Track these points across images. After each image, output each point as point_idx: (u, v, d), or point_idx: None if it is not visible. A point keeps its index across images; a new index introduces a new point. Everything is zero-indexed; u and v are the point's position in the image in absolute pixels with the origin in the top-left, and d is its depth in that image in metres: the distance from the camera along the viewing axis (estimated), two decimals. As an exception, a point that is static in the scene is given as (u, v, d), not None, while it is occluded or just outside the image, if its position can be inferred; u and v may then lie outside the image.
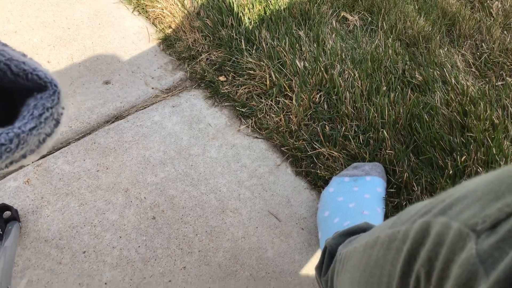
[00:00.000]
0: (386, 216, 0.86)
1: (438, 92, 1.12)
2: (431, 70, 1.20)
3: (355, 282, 0.47)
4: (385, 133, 1.02)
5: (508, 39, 1.31)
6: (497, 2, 1.50)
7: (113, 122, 1.09)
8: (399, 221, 0.40)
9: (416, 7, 1.45)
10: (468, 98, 1.11)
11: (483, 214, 0.28)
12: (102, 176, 0.94)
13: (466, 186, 0.33)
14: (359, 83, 1.14)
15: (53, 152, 0.98)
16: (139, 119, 1.11)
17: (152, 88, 1.21)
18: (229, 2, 1.43)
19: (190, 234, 0.87)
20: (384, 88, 1.13)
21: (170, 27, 1.41)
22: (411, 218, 0.38)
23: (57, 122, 0.30)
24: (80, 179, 0.93)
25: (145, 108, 1.15)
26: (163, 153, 1.02)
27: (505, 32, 1.35)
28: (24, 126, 0.26)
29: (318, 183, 0.99)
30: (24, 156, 0.28)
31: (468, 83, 1.15)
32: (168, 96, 1.19)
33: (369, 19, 1.41)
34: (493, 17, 1.41)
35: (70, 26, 1.39)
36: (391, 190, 0.94)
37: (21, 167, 0.92)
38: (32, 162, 0.92)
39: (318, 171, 0.99)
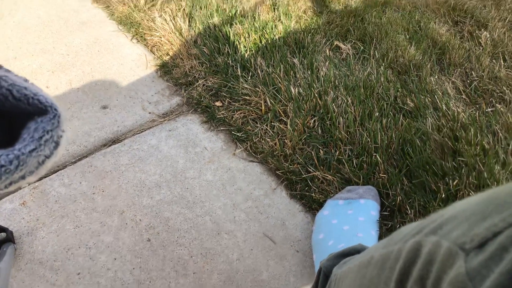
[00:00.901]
0: (380, 239, 0.87)
1: (429, 118, 1.15)
2: (422, 97, 1.23)
3: None
4: (378, 157, 1.03)
5: (497, 68, 1.35)
6: (485, 32, 1.56)
7: (110, 145, 1.11)
8: (392, 241, 0.41)
9: (407, 36, 1.50)
10: (459, 124, 1.13)
11: (472, 233, 0.29)
12: (98, 199, 0.95)
13: (455, 207, 0.35)
14: (352, 109, 1.17)
15: (50, 175, 0.99)
16: (136, 142, 1.12)
17: (149, 113, 1.23)
18: (226, 31, 1.47)
19: (185, 256, 0.87)
20: (377, 113, 1.16)
21: (167, 54, 1.45)
22: (403, 238, 0.39)
23: (57, 145, 0.30)
24: (76, 202, 0.93)
25: (142, 132, 1.16)
26: (159, 176, 1.03)
27: (493, 61, 1.40)
28: (24, 148, 0.27)
29: (312, 206, 1.00)
30: (23, 177, 0.29)
31: (458, 109, 1.18)
32: (164, 120, 1.21)
33: (361, 47, 1.45)
34: (482, 46, 1.46)
35: (69, 52, 1.42)
36: (385, 213, 0.94)
37: (17, 189, 0.93)
38: (29, 184, 0.93)
39: (313, 194, 1.00)
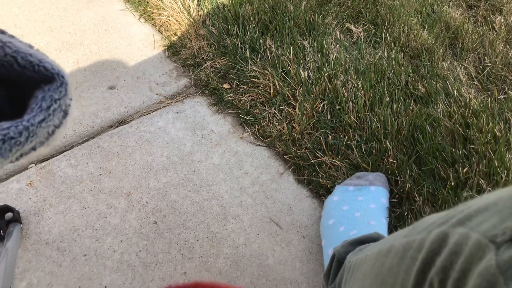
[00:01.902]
0: (389, 226, 0.86)
1: (440, 104, 1.13)
2: (434, 82, 1.20)
3: None
4: (387, 143, 1.02)
5: (511, 54, 1.31)
6: (500, 17, 1.52)
7: (117, 126, 1.10)
8: (414, 231, 0.41)
9: (420, 20, 1.46)
10: (470, 111, 1.11)
11: (503, 226, 0.28)
12: (105, 180, 0.95)
13: (486, 199, 0.34)
14: (362, 94, 1.15)
15: (56, 155, 0.99)
16: (143, 124, 1.11)
17: (157, 94, 1.22)
18: (235, 11, 1.44)
19: (191, 240, 0.87)
20: (387, 99, 1.14)
21: (175, 34, 1.43)
22: (427, 228, 0.38)
23: (65, 114, 0.29)
24: (82, 183, 0.93)
25: (149, 113, 1.15)
26: (166, 159, 1.03)
27: (507, 46, 1.36)
28: (33, 118, 0.26)
29: (320, 192, 0.99)
30: (34, 149, 0.28)
31: (470, 95, 1.16)
32: (172, 102, 1.20)
33: (373, 31, 1.42)
34: (495, 31, 1.42)
35: (76, 31, 1.40)
36: (393, 200, 0.94)
37: (24, 169, 0.93)
38: (36, 164, 0.93)
39: (320, 180, 1.00)
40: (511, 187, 0.33)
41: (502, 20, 1.47)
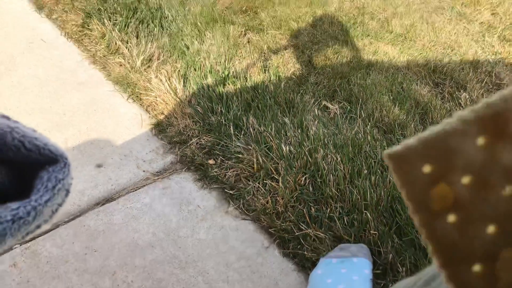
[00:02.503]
0: (373, 298, 0.87)
1: (416, 175, 1.19)
2: (408, 155, 1.27)
3: None
4: (368, 215, 1.06)
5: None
6: (464, 93, 1.65)
7: (103, 204, 1.12)
8: None
9: (391, 97, 1.57)
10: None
11: None
12: (90, 259, 0.94)
13: None
14: (342, 167, 1.20)
15: (42, 235, 0.99)
16: (130, 201, 1.13)
17: (143, 171, 1.25)
18: (219, 91, 1.53)
19: (177, 319, 0.86)
20: (365, 171, 1.19)
21: (162, 113, 1.50)
22: None
23: (68, 192, 0.31)
24: (67, 262, 0.92)
25: (135, 190, 1.18)
26: (152, 235, 1.04)
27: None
28: (40, 198, 0.27)
29: (305, 265, 1.00)
30: (38, 227, 0.29)
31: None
32: (158, 178, 1.23)
33: (348, 107, 1.52)
34: (462, 106, 1.53)
35: (66, 112, 1.46)
36: (377, 271, 0.95)
37: (9, 249, 0.92)
38: (20, 245, 0.93)
39: (305, 253, 1.01)
40: None
41: (467, 96, 1.59)
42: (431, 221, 0.20)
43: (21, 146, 0.28)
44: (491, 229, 0.20)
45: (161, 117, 1.48)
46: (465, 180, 0.20)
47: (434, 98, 1.59)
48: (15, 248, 0.94)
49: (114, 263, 0.94)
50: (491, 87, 1.68)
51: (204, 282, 0.94)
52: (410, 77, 1.72)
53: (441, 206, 0.20)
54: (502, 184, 0.19)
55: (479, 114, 0.19)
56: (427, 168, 0.20)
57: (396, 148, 0.21)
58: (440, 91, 1.66)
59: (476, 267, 0.20)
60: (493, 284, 0.20)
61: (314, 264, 1.00)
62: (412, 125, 1.41)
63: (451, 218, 0.20)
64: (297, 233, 1.05)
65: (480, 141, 0.19)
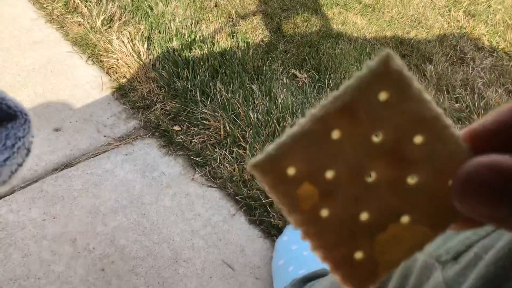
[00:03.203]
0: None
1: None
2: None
3: None
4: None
5: (441, 99, 1.44)
6: (430, 66, 1.67)
7: (62, 170, 1.06)
8: None
9: (359, 67, 1.57)
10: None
11: (446, 247, 0.32)
12: (49, 226, 0.90)
13: None
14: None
15: (-5, 201, 0.93)
16: (90, 167, 1.08)
17: (105, 136, 1.20)
18: (185, 55, 1.47)
19: (141, 286, 0.84)
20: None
21: (124, 77, 1.43)
22: None
23: (28, 151, 0.29)
24: (24, 229, 0.88)
25: (96, 156, 1.13)
26: (114, 202, 1.00)
27: (438, 92, 1.49)
28: None
29: (271, 232, 1.00)
30: None
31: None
32: (121, 144, 1.18)
33: (317, 76, 1.51)
34: (427, 79, 1.56)
35: (20, 72, 1.36)
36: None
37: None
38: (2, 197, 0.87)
39: (272, 220, 1.01)
40: None
41: (433, 69, 1.62)
42: (307, 222, 0.21)
43: None
44: (364, 216, 0.20)
45: (123, 80, 1.41)
46: (328, 175, 0.20)
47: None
48: (-35, 214, 0.88)
49: (74, 230, 0.91)
50: (455, 60, 1.72)
51: (169, 249, 0.92)
52: (378, 48, 1.72)
53: (310, 205, 0.21)
54: (364, 173, 0.20)
55: (329, 109, 0.19)
56: (290, 171, 0.20)
57: (259, 157, 0.21)
58: (407, 63, 1.67)
59: (358, 255, 0.21)
60: (375, 268, 0.21)
61: (280, 231, 1.00)
62: (379, 96, 1.42)
63: (324, 213, 0.21)
64: (264, 201, 1.05)
65: (335, 135, 0.20)
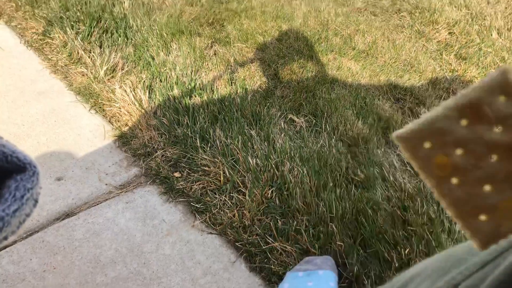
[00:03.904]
0: (339, 311, 0.88)
1: (379, 189, 1.22)
2: (371, 169, 1.31)
3: None
4: (334, 227, 1.07)
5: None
6: (424, 108, 1.71)
7: (63, 219, 1.07)
8: None
9: (355, 111, 1.61)
10: (406, 194, 1.21)
11: (435, 287, 0.33)
12: (49, 277, 0.90)
13: (416, 267, 0.40)
14: (308, 180, 1.22)
15: (-4, 252, 0.93)
16: (91, 215, 1.09)
17: (106, 184, 1.22)
18: (185, 103, 1.52)
19: (141, 338, 0.83)
20: (331, 184, 1.21)
21: (126, 125, 1.46)
22: None
23: (36, 202, 0.30)
24: (24, 280, 0.88)
25: (97, 204, 1.14)
26: (114, 251, 1.00)
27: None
28: (7, 208, 0.26)
29: (272, 279, 1.00)
30: (5, 238, 0.27)
31: (405, 180, 1.26)
32: (122, 192, 1.20)
33: (314, 121, 1.54)
34: (421, 121, 1.59)
35: (24, 123, 1.40)
36: (343, 284, 0.96)
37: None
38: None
39: (272, 267, 1.01)
40: (437, 254, 0.39)
41: (427, 112, 1.66)
42: (439, 184, 0.26)
43: None
44: (487, 187, 0.26)
45: (125, 128, 1.45)
46: (458, 152, 0.26)
47: (396, 113, 1.64)
48: (-34, 267, 0.88)
49: (74, 281, 0.91)
50: (448, 103, 1.76)
51: (169, 298, 0.92)
52: (373, 92, 1.77)
53: (444, 172, 0.26)
54: (489, 154, 0.25)
55: (458, 102, 0.25)
56: (427, 144, 0.26)
57: (402, 130, 0.27)
58: (401, 106, 1.72)
59: (482, 217, 0.26)
60: (497, 228, 0.26)
61: (281, 278, 0.99)
62: (375, 139, 1.45)
63: (454, 180, 0.26)
64: (264, 247, 1.05)
65: (463, 122, 0.26)
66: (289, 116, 1.56)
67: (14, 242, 0.97)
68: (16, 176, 0.28)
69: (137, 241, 1.04)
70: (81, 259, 0.96)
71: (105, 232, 1.05)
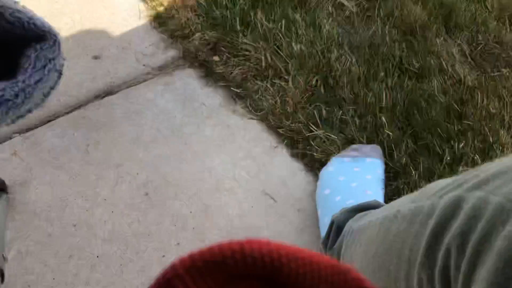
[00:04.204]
0: (385, 198, 0.86)
1: (435, 81, 1.12)
2: (428, 58, 1.20)
3: (370, 254, 0.46)
4: (383, 118, 1.01)
5: (504, 32, 1.32)
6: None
7: (103, 97, 1.05)
8: (423, 196, 0.40)
9: (412, -3, 1.44)
10: (465, 87, 1.11)
11: None
12: (93, 151, 0.91)
13: (502, 163, 0.33)
14: (357, 68, 1.13)
15: (41, 125, 0.94)
16: (130, 95, 1.07)
17: (144, 65, 1.17)
18: (225, -18, 1.39)
19: (184, 212, 0.84)
20: (382, 73, 1.12)
21: (162, 4, 1.37)
22: (436, 193, 0.38)
23: (60, 74, 0.28)
24: (69, 153, 0.89)
25: (136, 85, 1.11)
26: (156, 131, 0.99)
27: (500, 24, 1.36)
28: (28, 79, 0.24)
29: (314, 166, 0.98)
30: (30, 111, 0.26)
31: (465, 72, 1.16)
32: (160, 74, 1.15)
33: (366, 5, 1.40)
34: (488, 9, 1.42)
35: (58, 0, 1.33)
36: (389, 173, 0.93)
37: (7, 138, 0.88)
38: (20, 134, 0.88)
39: (315, 154, 0.98)
40: None
41: None
42: None
43: (1, 19, 0.24)
44: None
45: (161, 8, 1.36)
46: None
47: None
48: (15, 137, 0.89)
49: (117, 156, 0.91)
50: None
51: (210, 178, 0.91)
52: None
53: None
54: None
55: None
56: None
57: None
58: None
59: None
60: None
61: (322, 165, 0.97)
62: (434, 27, 1.31)
63: None
64: (306, 134, 1.01)
65: None
66: (338, 0, 1.41)
67: (56, 117, 0.97)
68: (36, 45, 0.26)
69: (177, 123, 1.02)
70: (123, 136, 0.96)
71: (145, 112, 1.03)
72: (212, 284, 0.13)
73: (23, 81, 0.24)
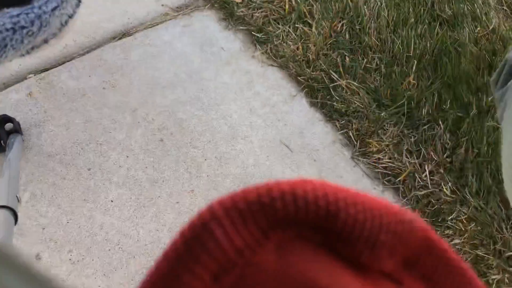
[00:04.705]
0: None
1: (467, 29, 1.05)
2: (461, 5, 1.11)
3: None
4: (410, 67, 0.96)
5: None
6: None
7: (120, 38, 1.03)
8: None
9: None
10: (498, 37, 1.03)
11: None
12: (109, 94, 0.90)
13: None
14: (386, 13, 1.06)
15: (56, 66, 0.93)
16: (148, 37, 1.04)
17: (162, 5, 1.13)
18: None
19: (199, 159, 0.84)
20: (412, 20, 1.05)
21: None
22: None
23: (79, 2, 0.26)
24: (85, 96, 0.88)
25: (154, 26, 1.07)
26: (173, 75, 0.97)
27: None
28: (45, 5, 0.23)
29: (333, 116, 0.95)
30: (46, 41, 0.25)
31: (498, 20, 1.07)
32: (179, 15, 1.11)
33: None
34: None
35: None
36: (417, 122, 0.90)
37: (23, 78, 0.87)
38: (35, 75, 0.87)
39: (335, 104, 0.95)
40: None
41: None
42: None
43: None
44: None
45: None
46: None
47: None
48: (30, 77, 0.89)
49: (134, 100, 0.90)
50: None
51: (226, 125, 0.90)
52: None
53: None
54: None
55: None
56: None
57: None
58: None
59: None
60: None
61: (342, 115, 0.94)
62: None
63: None
64: (327, 83, 0.97)
65: None
66: None
67: (72, 58, 0.95)
68: None
69: (195, 67, 0.99)
70: (139, 79, 0.94)
71: (162, 55, 1.00)
72: (254, 229, 0.11)
73: (40, 7, 0.23)
